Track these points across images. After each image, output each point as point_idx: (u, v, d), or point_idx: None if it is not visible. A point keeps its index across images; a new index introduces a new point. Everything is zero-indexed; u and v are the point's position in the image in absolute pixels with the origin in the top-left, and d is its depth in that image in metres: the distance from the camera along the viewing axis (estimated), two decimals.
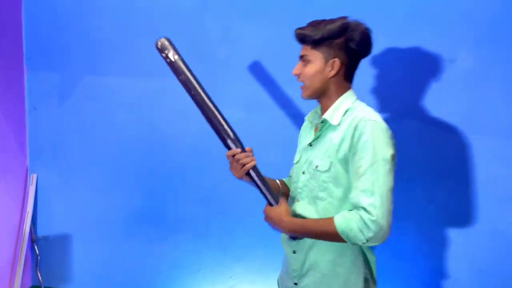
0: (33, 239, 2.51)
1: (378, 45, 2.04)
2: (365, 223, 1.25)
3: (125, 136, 2.37)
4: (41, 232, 2.52)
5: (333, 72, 1.40)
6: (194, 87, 1.43)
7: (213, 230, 2.35)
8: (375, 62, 2.07)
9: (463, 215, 2.07)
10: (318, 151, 1.44)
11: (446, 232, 2.10)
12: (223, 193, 2.30)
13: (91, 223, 2.46)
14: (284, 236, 1.54)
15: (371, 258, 1.44)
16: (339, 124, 1.40)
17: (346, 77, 1.44)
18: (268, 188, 1.46)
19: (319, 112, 1.53)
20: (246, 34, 2.18)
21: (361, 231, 1.25)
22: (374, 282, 1.45)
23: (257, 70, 2.20)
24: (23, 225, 2.46)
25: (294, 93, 2.15)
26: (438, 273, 2.12)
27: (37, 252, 2.51)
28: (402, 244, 2.14)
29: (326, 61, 1.40)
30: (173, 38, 2.22)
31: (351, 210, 1.31)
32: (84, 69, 2.37)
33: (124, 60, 2.33)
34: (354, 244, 1.30)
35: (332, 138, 1.40)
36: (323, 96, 1.45)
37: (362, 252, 1.42)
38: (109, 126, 2.38)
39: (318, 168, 1.41)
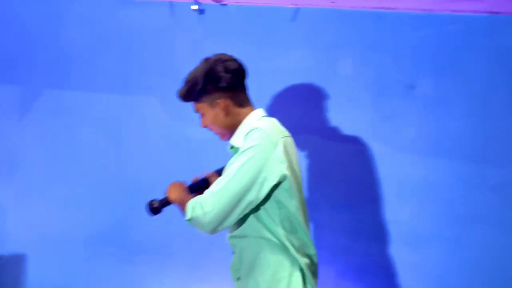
0: None
1: (345, 71, 2.11)
2: (194, 208, 1.38)
3: (88, 152, 2.31)
4: None
5: (225, 112, 1.44)
6: None
7: (178, 250, 2.30)
8: (342, 85, 2.13)
9: (424, 234, 2.13)
10: None
11: (402, 253, 2.15)
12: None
13: (49, 243, 2.35)
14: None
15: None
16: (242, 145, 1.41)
17: (238, 105, 1.46)
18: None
19: None
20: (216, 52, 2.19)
21: (194, 209, 1.38)
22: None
23: None
24: None
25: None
26: None
27: None
28: (367, 263, 2.17)
29: (213, 107, 1.44)
30: (141, 54, 2.25)
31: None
32: (46, 82, 2.31)
33: (88, 75, 2.28)
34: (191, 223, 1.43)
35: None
36: (235, 130, 1.47)
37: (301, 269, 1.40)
38: (71, 142, 2.31)
39: None
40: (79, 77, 2.29)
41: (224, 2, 2.11)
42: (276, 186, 1.35)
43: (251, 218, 1.40)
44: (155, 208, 1.57)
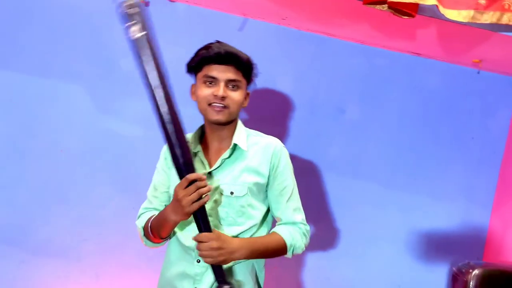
0: None
1: (284, 87, 2.19)
2: (305, 234, 1.46)
3: None
4: None
5: (246, 103, 1.46)
6: (157, 81, 1.21)
7: (86, 255, 2.10)
8: (279, 100, 2.20)
9: (331, 251, 2.27)
10: (225, 177, 1.40)
11: (316, 265, 2.27)
12: (103, 215, 2.10)
13: None
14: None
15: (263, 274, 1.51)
16: (246, 150, 1.42)
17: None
18: (205, 215, 1.28)
19: (197, 139, 1.47)
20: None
21: (303, 241, 1.45)
22: None
23: None
24: None
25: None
26: None
27: None
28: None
29: (245, 92, 1.45)
30: (72, 38, 2.05)
31: (284, 225, 1.45)
32: None
33: (3, 51, 2.00)
34: (294, 254, 1.44)
35: (244, 163, 1.41)
36: (230, 122, 1.44)
37: (255, 273, 1.47)
38: None
39: (234, 194, 1.38)
40: None
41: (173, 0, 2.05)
42: None
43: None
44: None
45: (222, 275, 1.28)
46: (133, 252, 2.10)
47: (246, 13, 2.06)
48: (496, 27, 1.64)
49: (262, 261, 1.48)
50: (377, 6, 1.54)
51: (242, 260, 1.38)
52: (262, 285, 1.50)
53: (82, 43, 2.05)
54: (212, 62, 1.37)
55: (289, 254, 1.43)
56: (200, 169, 1.41)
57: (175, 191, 1.24)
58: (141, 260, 2.10)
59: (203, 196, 1.23)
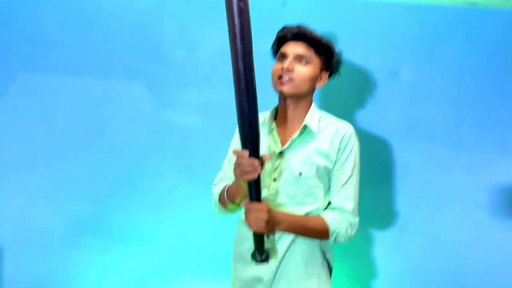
0: None
1: None
2: (351, 225, 1.45)
3: (66, 139, 2.21)
4: None
5: (320, 84, 1.50)
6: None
7: (164, 239, 2.26)
8: None
9: (399, 217, 2.24)
10: (295, 158, 1.46)
11: (384, 233, 2.24)
12: (174, 200, 2.23)
13: (26, 233, 2.23)
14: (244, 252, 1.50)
15: (332, 254, 1.56)
16: (317, 132, 1.47)
17: (318, 88, 1.54)
18: (259, 184, 1.30)
19: (273, 116, 1.54)
20: (204, 37, 2.16)
21: (347, 231, 1.43)
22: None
23: (215, 74, 2.18)
24: None
25: None
26: (377, 273, 2.27)
27: None
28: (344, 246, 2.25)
29: (321, 71, 1.49)
30: (126, 38, 2.17)
31: (332, 211, 1.45)
32: (22, 66, 2.18)
33: (66, 58, 2.17)
34: (335, 242, 1.44)
35: (314, 145, 1.46)
36: (301, 100, 1.48)
37: (323, 252, 1.51)
38: (49, 128, 2.20)
39: (303, 175, 1.44)
40: (57, 59, 2.17)
41: None
42: None
43: None
44: (262, 259, 1.38)
45: (261, 243, 1.35)
46: (204, 233, 2.22)
47: None
48: None
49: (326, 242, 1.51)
50: None
51: (307, 238, 1.44)
52: (331, 263, 1.56)
53: (135, 41, 2.17)
54: (285, 40, 1.47)
55: (331, 240, 1.44)
56: (273, 146, 1.49)
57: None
58: (218, 241, 2.15)
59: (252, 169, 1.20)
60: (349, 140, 1.45)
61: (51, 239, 2.24)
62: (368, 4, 2.11)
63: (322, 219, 1.42)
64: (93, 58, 2.17)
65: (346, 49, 2.13)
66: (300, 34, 1.45)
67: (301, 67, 1.44)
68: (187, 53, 2.18)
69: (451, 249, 2.24)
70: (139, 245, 2.25)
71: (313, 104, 1.52)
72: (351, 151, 1.45)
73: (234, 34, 1.07)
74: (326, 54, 1.48)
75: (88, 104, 2.19)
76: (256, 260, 1.36)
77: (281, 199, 1.46)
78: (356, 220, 1.46)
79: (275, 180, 1.47)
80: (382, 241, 2.25)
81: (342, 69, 2.14)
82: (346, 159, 1.45)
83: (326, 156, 1.45)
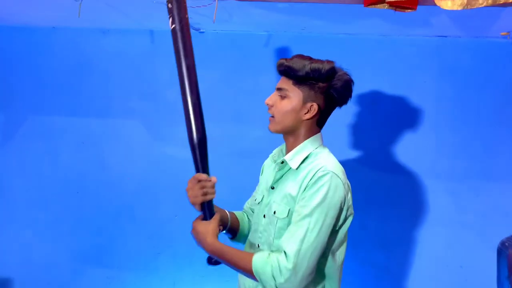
0: None
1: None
2: (280, 271, 1.21)
3: (70, 176, 2.37)
4: None
5: (308, 116, 1.34)
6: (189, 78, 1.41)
7: (163, 266, 2.38)
8: None
9: (392, 239, 2.31)
10: (277, 195, 1.38)
11: (377, 255, 2.32)
12: (171, 229, 2.36)
13: (34, 266, 2.39)
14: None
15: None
16: (297, 169, 1.34)
17: (319, 122, 1.39)
18: (211, 206, 1.37)
19: (284, 151, 1.45)
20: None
21: (273, 276, 1.22)
22: None
23: (204, 111, 2.30)
24: None
25: (241, 131, 2.30)
26: None
27: None
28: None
29: (305, 102, 1.34)
30: (123, 80, 2.34)
31: (273, 251, 1.29)
32: (29, 108, 2.37)
33: (68, 100, 2.36)
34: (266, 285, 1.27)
35: (291, 185, 1.34)
36: (290, 135, 1.39)
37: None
38: (54, 166, 2.37)
39: (276, 214, 1.34)
40: (62, 102, 2.36)
41: (202, 30, 2.25)
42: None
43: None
44: (214, 261, 1.40)
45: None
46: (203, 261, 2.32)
47: (268, 29, 2.21)
48: None
49: (335, 284, 1.38)
50: (378, 5, 1.59)
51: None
52: None
53: (131, 83, 2.35)
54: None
55: (263, 282, 1.26)
56: (269, 180, 1.44)
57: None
58: (216, 269, 2.27)
59: (205, 193, 1.32)
60: (317, 180, 1.26)
61: (57, 269, 2.38)
62: (346, 39, 2.25)
63: (250, 256, 1.28)
64: (93, 100, 2.35)
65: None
66: (278, 67, 1.37)
67: (279, 101, 1.35)
68: (178, 92, 2.31)
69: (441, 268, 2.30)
70: (140, 273, 2.38)
71: (310, 139, 1.38)
72: (317, 191, 1.25)
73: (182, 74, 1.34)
74: (307, 83, 1.32)
75: (90, 142, 2.36)
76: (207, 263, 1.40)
77: (264, 238, 1.39)
78: (289, 266, 1.20)
79: (264, 216, 1.40)
80: (377, 265, 2.32)
81: None
82: (310, 197, 1.25)
83: (297, 196, 1.30)
